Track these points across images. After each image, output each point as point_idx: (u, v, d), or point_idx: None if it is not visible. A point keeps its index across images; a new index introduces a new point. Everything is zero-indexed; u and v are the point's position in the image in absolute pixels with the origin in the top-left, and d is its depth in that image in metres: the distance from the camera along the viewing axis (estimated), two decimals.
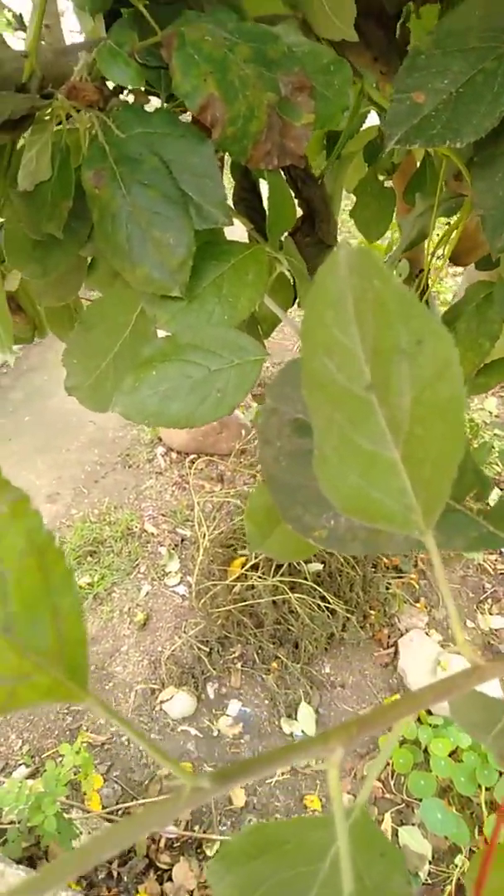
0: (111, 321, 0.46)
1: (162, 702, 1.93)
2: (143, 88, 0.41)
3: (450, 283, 3.65)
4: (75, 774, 1.66)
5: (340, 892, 0.19)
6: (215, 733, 1.86)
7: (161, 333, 0.42)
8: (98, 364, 0.47)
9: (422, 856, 1.63)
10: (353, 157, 0.87)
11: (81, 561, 2.34)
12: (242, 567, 2.07)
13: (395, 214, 0.88)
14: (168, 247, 0.36)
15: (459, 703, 0.32)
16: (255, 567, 2.06)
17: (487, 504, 0.29)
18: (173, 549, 2.37)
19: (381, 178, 0.86)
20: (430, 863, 1.62)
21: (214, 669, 1.98)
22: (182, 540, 2.40)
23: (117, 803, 1.70)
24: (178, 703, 1.90)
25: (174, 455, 2.76)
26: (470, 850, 1.61)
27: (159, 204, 0.36)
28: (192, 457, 2.73)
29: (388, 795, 1.73)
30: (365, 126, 0.87)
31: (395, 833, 1.66)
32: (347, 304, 0.21)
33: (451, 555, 2.36)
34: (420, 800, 1.67)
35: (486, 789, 1.65)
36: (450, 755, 1.73)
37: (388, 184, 0.87)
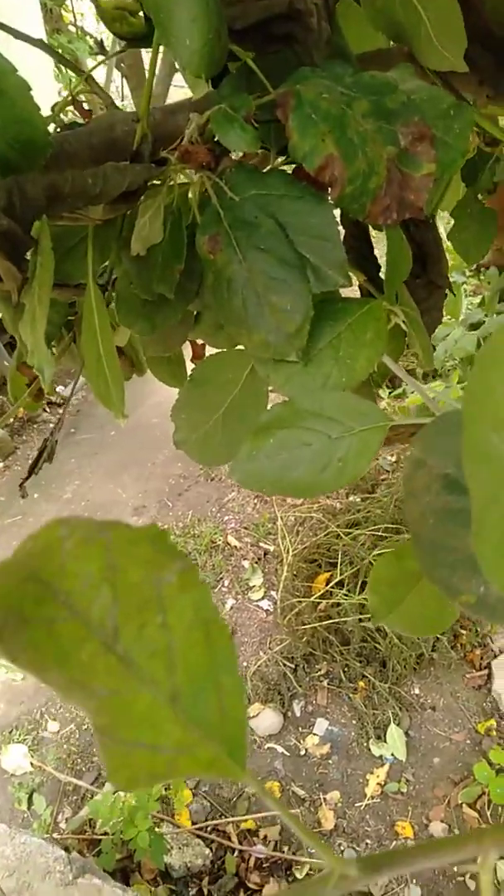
0: (221, 378, 0.46)
1: (248, 718, 1.93)
2: None
3: None
4: (166, 790, 1.68)
5: None
6: (302, 752, 1.84)
7: (274, 395, 0.41)
8: (207, 420, 0.47)
9: None
10: (452, 178, 0.84)
11: None
12: (327, 583, 2.04)
13: (493, 236, 0.84)
14: (285, 312, 0.35)
15: None
16: (340, 584, 2.03)
17: None
18: (256, 562, 2.37)
19: (480, 197, 0.82)
20: None
21: (300, 686, 1.96)
22: (265, 554, 2.40)
23: (206, 819, 1.71)
24: (265, 719, 1.89)
25: None
26: None
27: (276, 268, 0.35)
28: None
29: (483, 825, 1.66)
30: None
31: (494, 869, 1.59)
32: None
33: None
34: None
35: None
36: None
37: (488, 204, 0.83)
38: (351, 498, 2.43)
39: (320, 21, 0.40)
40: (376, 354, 0.38)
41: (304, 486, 0.35)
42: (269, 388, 0.39)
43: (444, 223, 0.82)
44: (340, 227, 0.45)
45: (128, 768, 0.17)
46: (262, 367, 0.39)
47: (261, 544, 2.43)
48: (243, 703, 0.19)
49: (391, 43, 0.56)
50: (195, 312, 0.49)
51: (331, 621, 1.98)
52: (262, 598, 2.25)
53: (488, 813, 1.69)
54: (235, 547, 2.44)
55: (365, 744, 1.84)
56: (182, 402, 0.48)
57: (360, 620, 1.96)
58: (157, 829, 1.58)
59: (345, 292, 0.43)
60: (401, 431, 0.47)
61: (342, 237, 0.47)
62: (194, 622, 0.18)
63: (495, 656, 2.00)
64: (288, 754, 1.84)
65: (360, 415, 0.35)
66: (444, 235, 0.89)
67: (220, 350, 0.48)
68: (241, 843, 1.67)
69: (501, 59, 0.57)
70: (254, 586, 2.30)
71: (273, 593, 2.23)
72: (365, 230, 0.48)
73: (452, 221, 0.83)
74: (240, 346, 0.44)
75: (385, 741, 1.83)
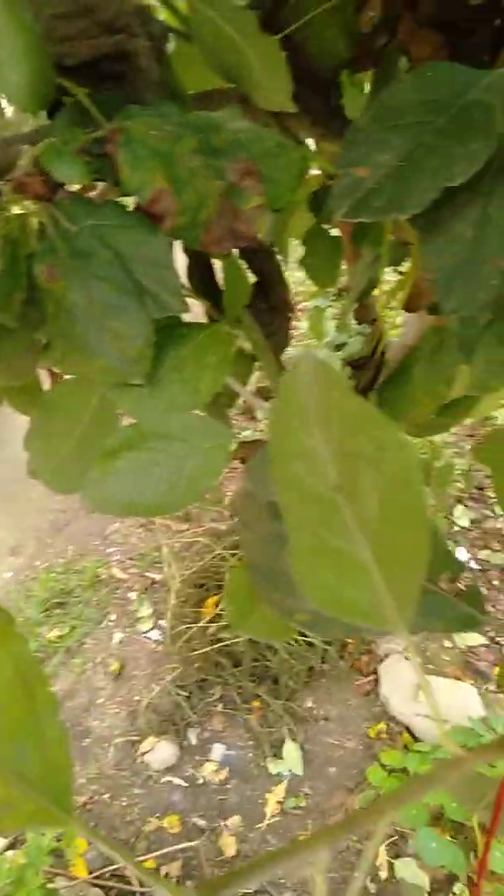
0: (72, 404, 0.46)
1: (143, 753, 1.88)
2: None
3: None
4: (58, 841, 1.60)
5: None
6: (200, 781, 1.82)
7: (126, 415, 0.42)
8: (61, 447, 0.46)
9: (419, 888, 1.61)
10: (297, 207, 0.89)
11: (49, 614, 2.29)
12: (216, 606, 2.05)
13: (341, 261, 0.90)
14: (126, 338, 0.36)
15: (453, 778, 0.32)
16: None
17: (460, 586, 0.29)
18: (144, 593, 2.33)
19: (326, 226, 0.88)
20: (428, 894, 1.61)
21: (195, 714, 1.94)
22: (152, 583, 2.37)
23: (104, 866, 1.64)
24: (160, 752, 1.86)
25: None
26: (468, 876, 1.60)
27: (115, 296, 0.36)
28: None
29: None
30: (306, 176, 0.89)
31: (391, 866, 1.64)
32: (310, 412, 0.21)
33: None
34: (413, 829, 1.66)
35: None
36: None
37: (335, 231, 0.89)
38: (236, 519, 2.46)
39: (149, 61, 0.42)
40: (221, 376, 0.39)
41: (155, 506, 0.36)
42: (119, 411, 0.40)
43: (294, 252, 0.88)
44: (184, 257, 0.47)
45: None
46: (109, 391, 0.39)
47: (147, 574, 2.40)
48: (66, 750, 0.19)
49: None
50: (45, 340, 0.49)
51: (221, 644, 1.98)
52: (152, 628, 2.22)
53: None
54: (121, 579, 2.39)
55: (262, 763, 1.85)
56: (34, 430, 0.47)
57: (251, 641, 1.98)
58: (49, 885, 1.49)
59: (190, 320, 0.44)
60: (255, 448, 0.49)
61: (186, 267, 0.49)
62: (13, 676, 0.18)
63: (381, 661, 2.09)
64: (186, 785, 1.82)
65: (205, 433, 0.37)
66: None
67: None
68: (141, 885, 1.62)
69: (329, 100, 0.62)
70: (142, 617, 2.26)
71: (162, 622, 2.20)
72: (206, 260, 0.50)
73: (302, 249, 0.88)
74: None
75: (282, 758, 1.85)
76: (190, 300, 0.45)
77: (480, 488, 2.67)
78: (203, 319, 0.45)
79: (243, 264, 0.51)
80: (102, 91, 0.45)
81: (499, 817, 0.21)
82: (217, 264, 0.49)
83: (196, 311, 0.48)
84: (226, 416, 0.51)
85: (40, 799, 0.19)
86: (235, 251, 0.46)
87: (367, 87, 0.75)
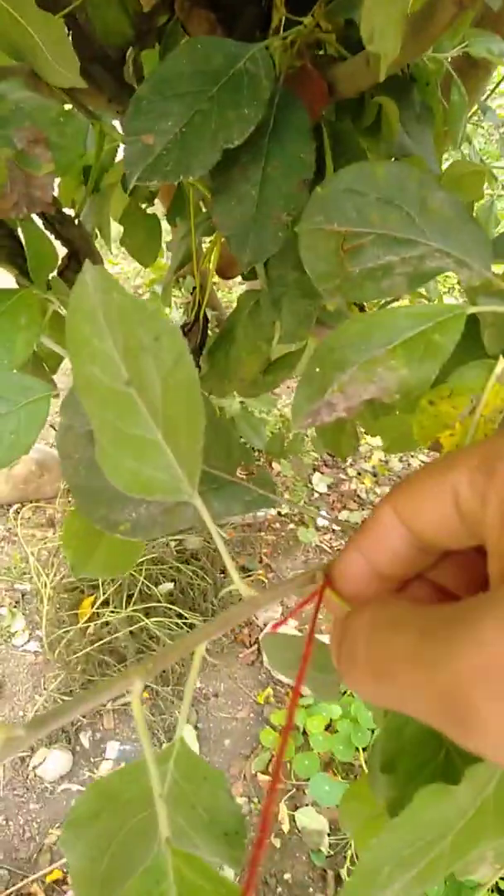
0: None
1: (35, 767, 1.83)
2: None
3: (238, 291, 3.84)
4: None
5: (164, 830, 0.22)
6: None
7: None
8: None
9: (320, 832, 1.71)
10: (114, 189, 0.91)
11: None
12: (93, 606, 2.02)
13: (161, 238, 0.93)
14: None
15: (270, 648, 0.36)
16: (105, 603, 2.02)
17: (252, 472, 0.34)
18: (14, 606, 2.24)
19: (143, 206, 0.90)
20: (328, 835, 1.71)
21: (84, 717, 1.92)
22: (23, 595, 2.28)
23: (7, 888, 1.58)
24: (53, 762, 1.81)
25: None
26: None
27: None
28: (15, 507, 2.60)
29: (278, 785, 1.79)
30: (118, 159, 0.91)
31: (293, 819, 1.72)
32: (99, 316, 0.24)
33: (291, 543, 2.49)
34: (308, 779, 1.75)
35: (363, 750, 1.78)
36: (325, 729, 1.83)
37: (151, 210, 0.92)
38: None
39: None
40: (33, 337, 0.41)
41: None
42: None
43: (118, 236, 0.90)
44: None
45: None
46: None
47: (16, 586, 2.31)
48: None
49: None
50: None
51: (102, 642, 1.96)
52: (28, 640, 2.15)
53: (280, 773, 1.82)
54: None
55: (160, 751, 1.86)
56: None
57: (132, 633, 1.98)
58: None
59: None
60: None
61: None
62: None
63: (261, 630, 2.17)
64: (84, 789, 1.79)
65: (25, 389, 0.38)
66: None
67: None
68: None
69: (119, 77, 0.64)
70: (16, 632, 2.18)
71: (39, 632, 2.13)
72: (11, 230, 0.51)
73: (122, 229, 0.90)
74: None
75: None
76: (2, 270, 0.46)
77: (332, 455, 2.83)
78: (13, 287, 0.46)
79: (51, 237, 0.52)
80: None
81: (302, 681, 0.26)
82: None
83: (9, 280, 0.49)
84: (49, 377, 0.52)
85: None
86: (39, 221, 0.48)
87: None
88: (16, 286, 0.47)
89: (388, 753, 0.33)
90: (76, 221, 0.54)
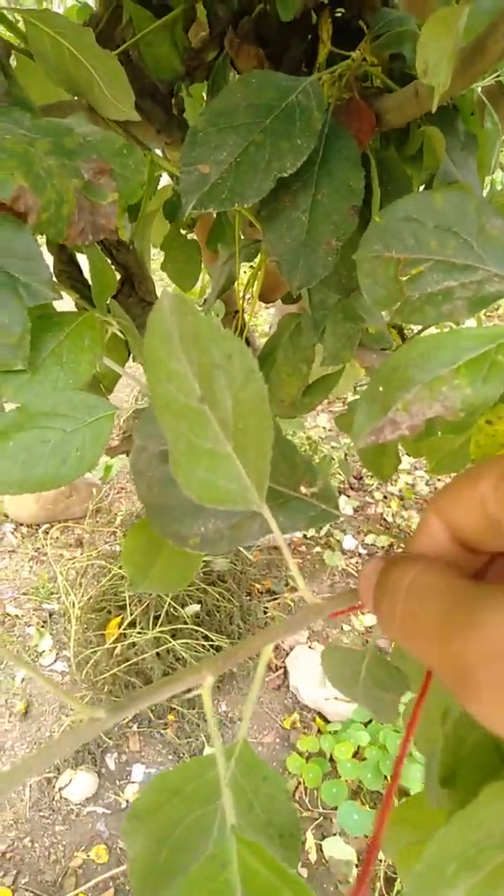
0: None
1: (60, 789, 1.82)
2: None
3: (264, 316, 3.88)
4: None
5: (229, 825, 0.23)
6: (124, 805, 1.79)
7: (9, 406, 0.44)
8: None
9: (348, 862, 1.68)
10: (155, 216, 0.93)
11: None
12: (119, 627, 2.03)
13: (202, 263, 0.95)
14: (3, 326, 0.39)
15: (328, 661, 0.37)
16: (132, 624, 2.03)
17: (316, 488, 0.35)
18: (42, 626, 2.26)
19: (183, 232, 0.93)
20: (356, 865, 1.67)
21: (110, 739, 1.91)
22: (51, 615, 2.30)
23: None
24: (79, 784, 1.81)
25: (25, 529, 2.64)
26: None
27: None
28: (44, 527, 2.63)
29: (305, 813, 1.76)
30: (160, 186, 0.94)
31: (320, 848, 1.69)
32: (174, 338, 0.26)
33: (317, 566, 2.48)
34: (336, 808, 1.72)
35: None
36: (353, 756, 1.81)
37: (191, 236, 0.94)
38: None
39: None
40: (96, 358, 0.43)
41: (48, 480, 0.39)
42: (4, 400, 0.42)
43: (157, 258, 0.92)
44: (49, 255, 0.50)
45: None
46: None
47: (44, 606, 2.33)
48: None
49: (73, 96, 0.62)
50: None
51: (129, 663, 1.96)
52: (55, 660, 2.15)
53: (307, 801, 1.79)
54: (17, 616, 2.30)
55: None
56: None
57: (158, 655, 1.98)
58: None
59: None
60: None
61: (51, 264, 0.51)
62: None
63: (287, 654, 2.15)
64: (109, 812, 1.78)
65: (90, 407, 0.40)
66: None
67: None
68: None
69: (169, 110, 0.67)
70: (43, 651, 2.19)
71: (66, 652, 2.14)
72: (71, 256, 0.53)
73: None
74: None
75: None
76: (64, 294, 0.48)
77: (359, 478, 2.83)
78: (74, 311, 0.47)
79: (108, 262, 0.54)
80: None
81: (413, 728, 0.26)
82: (83, 262, 0.53)
83: (69, 304, 0.51)
84: (105, 395, 0.54)
85: None
86: (98, 245, 0.50)
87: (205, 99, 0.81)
88: (74, 309, 0.49)
89: (448, 766, 0.33)
90: (131, 247, 0.56)
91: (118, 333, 0.48)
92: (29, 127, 0.41)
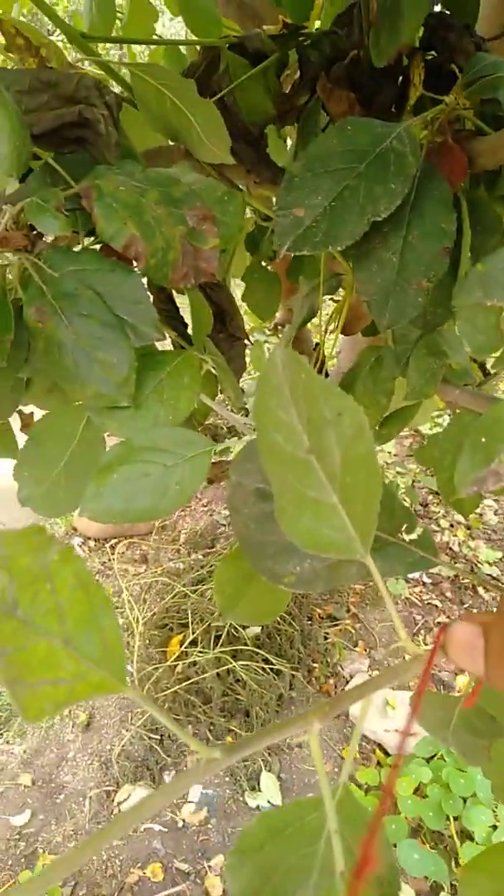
0: (58, 433, 0.50)
1: (119, 803, 1.84)
2: None
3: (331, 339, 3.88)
4: None
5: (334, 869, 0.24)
6: (180, 824, 1.79)
7: (109, 440, 0.46)
8: (49, 474, 0.50)
9: None
10: (237, 249, 0.96)
11: None
12: (181, 645, 2.05)
13: (281, 295, 0.97)
14: (112, 365, 0.41)
15: (423, 706, 0.37)
16: (194, 643, 2.05)
17: (415, 535, 0.35)
18: None
19: (264, 264, 0.95)
20: None
21: (169, 756, 1.93)
22: None
23: None
24: (136, 799, 1.82)
25: (92, 543, 2.71)
26: (451, 884, 1.63)
27: (99, 330, 0.41)
28: (112, 542, 2.69)
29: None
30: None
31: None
32: (285, 392, 0.27)
33: (379, 594, 2.45)
34: (395, 845, 1.68)
35: (455, 819, 1.69)
36: (414, 792, 1.76)
37: (271, 268, 0.96)
38: (193, 556, 2.48)
39: (108, 127, 0.48)
40: (194, 395, 0.45)
41: (149, 511, 0.41)
42: (106, 434, 0.44)
43: (238, 288, 0.95)
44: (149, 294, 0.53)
45: (36, 703, 0.21)
46: (97, 416, 0.44)
47: None
48: (120, 638, 0.24)
49: (169, 141, 0.66)
50: (25, 379, 0.53)
51: (190, 682, 1.98)
52: None
53: None
54: None
55: (241, 798, 1.84)
56: (23, 460, 0.51)
57: (218, 675, 1.99)
58: None
59: (161, 349, 0.50)
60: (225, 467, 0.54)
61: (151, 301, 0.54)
62: (76, 584, 0.23)
63: (347, 682, 2.12)
64: (166, 830, 1.79)
65: (189, 443, 0.42)
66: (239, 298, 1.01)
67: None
68: None
69: (259, 151, 0.69)
70: None
71: (128, 667, 2.18)
72: (169, 295, 0.55)
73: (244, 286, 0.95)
74: (77, 402, 0.49)
75: (260, 790, 1.85)
76: None
77: (425, 504, 2.78)
78: (170, 348, 0.50)
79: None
80: (66, 154, 0.51)
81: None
82: (178, 299, 0.55)
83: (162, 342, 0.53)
84: (197, 429, 0.56)
85: (103, 673, 0.24)
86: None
87: (290, 139, 0.84)
88: (171, 347, 0.51)
89: None
90: (223, 286, 0.59)
91: (211, 370, 0.50)
92: (140, 178, 0.44)
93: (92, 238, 0.47)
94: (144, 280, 0.48)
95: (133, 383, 0.42)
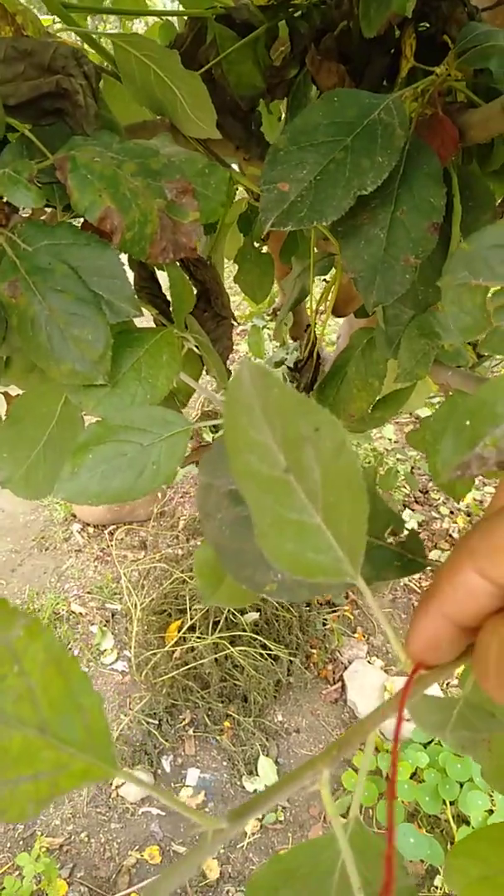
0: (37, 413, 0.49)
1: (117, 787, 1.86)
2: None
3: (331, 325, 3.86)
4: (38, 884, 1.55)
5: None
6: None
7: (87, 419, 0.45)
8: (28, 455, 0.49)
9: None
10: (229, 229, 0.95)
11: None
12: (179, 630, 2.05)
13: (274, 276, 0.96)
14: (87, 342, 0.40)
15: (417, 709, 0.36)
16: (192, 628, 2.05)
17: (402, 536, 0.34)
18: (105, 625, 2.31)
19: (257, 245, 0.94)
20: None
21: (167, 741, 1.93)
22: (113, 615, 2.35)
23: None
24: (135, 784, 1.84)
25: (91, 529, 2.71)
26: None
27: (74, 305, 0.40)
28: (110, 528, 2.69)
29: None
30: (235, 199, 0.95)
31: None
32: (255, 409, 0.25)
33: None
34: None
35: (451, 803, 1.69)
36: (411, 777, 1.77)
37: (265, 249, 0.95)
38: (192, 542, 2.48)
39: (86, 98, 0.47)
40: (173, 373, 0.43)
41: (125, 492, 0.40)
42: (83, 413, 0.43)
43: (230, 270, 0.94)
44: (129, 271, 0.51)
45: (16, 804, 0.20)
46: (73, 394, 0.43)
47: (107, 606, 2.38)
48: (103, 715, 0.22)
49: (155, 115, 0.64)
50: (4, 358, 0.52)
51: (188, 667, 1.98)
52: (116, 660, 2.20)
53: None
54: (81, 614, 2.37)
55: (238, 782, 1.85)
56: (1, 442, 0.50)
57: (217, 661, 1.99)
58: None
59: (141, 326, 0.48)
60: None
61: (132, 280, 0.53)
62: (46, 661, 0.21)
63: (345, 668, 2.12)
64: (164, 814, 1.80)
65: (166, 423, 0.41)
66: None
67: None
68: None
69: (248, 127, 0.68)
70: (105, 650, 2.24)
71: (126, 653, 2.18)
72: (152, 272, 0.54)
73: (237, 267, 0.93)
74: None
75: (257, 774, 1.85)
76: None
77: (424, 491, 2.77)
78: (152, 326, 0.49)
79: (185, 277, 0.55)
80: (43, 126, 0.50)
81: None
82: (161, 277, 0.54)
83: (143, 319, 0.52)
84: (180, 409, 0.55)
85: (88, 759, 0.22)
86: (177, 262, 0.51)
87: (283, 115, 0.82)
88: (152, 324, 0.50)
89: None
90: (208, 262, 0.57)
91: (194, 349, 0.49)
92: (117, 150, 0.43)
93: (71, 213, 0.46)
94: (125, 256, 0.47)
95: (109, 361, 0.41)
